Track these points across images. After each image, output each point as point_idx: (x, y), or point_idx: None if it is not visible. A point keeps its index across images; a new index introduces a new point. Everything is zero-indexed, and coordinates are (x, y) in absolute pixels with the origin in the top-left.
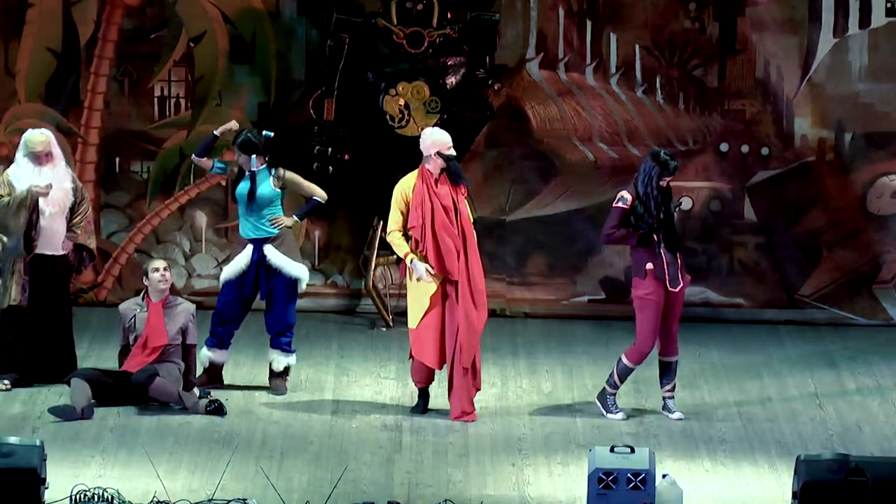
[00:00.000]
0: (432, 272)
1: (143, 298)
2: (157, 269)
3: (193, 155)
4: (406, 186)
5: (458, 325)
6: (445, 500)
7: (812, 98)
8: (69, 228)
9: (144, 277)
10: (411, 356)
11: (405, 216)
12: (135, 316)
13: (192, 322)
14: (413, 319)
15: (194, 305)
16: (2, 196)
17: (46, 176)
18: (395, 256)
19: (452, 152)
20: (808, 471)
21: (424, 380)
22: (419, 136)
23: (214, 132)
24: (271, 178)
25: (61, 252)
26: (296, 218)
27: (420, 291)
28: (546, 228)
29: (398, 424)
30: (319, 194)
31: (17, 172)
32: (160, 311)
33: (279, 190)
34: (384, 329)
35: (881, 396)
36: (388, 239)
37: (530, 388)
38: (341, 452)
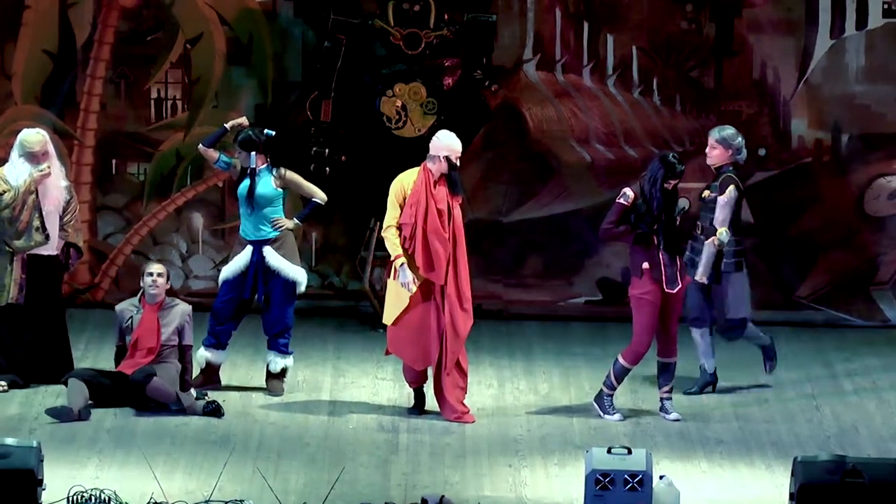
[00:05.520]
0: (414, 287)
1: (139, 300)
2: (150, 274)
3: (201, 144)
4: (406, 181)
5: (444, 330)
6: (442, 497)
7: (809, 99)
8: (61, 227)
9: (142, 278)
10: (387, 352)
11: (402, 210)
12: (132, 317)
13: (188, 323)
14: (389, 316)
15: (190, 307)
16: (2, 193)
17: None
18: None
19: (458, 162)
20: (805, 472)
21: (417, 379)
22: (415, 138)
23: (225, 125)
24: (272, 178)
25: (56, 252)
26: (297, 220)
27: (401, 289)
28: (543, 229)
29: (395, 425)
30: (319, 196)
31: (14, 172)
32: (154, 314)
33: (280, 190)
34: (381, 330)
35: (878, 398)
36: (384, 234)
37: (527, 389)
38: (338, 453)
